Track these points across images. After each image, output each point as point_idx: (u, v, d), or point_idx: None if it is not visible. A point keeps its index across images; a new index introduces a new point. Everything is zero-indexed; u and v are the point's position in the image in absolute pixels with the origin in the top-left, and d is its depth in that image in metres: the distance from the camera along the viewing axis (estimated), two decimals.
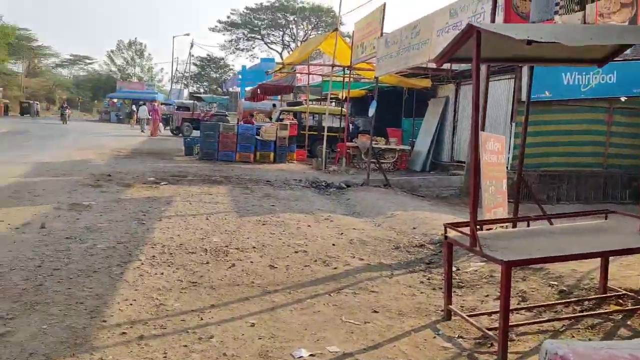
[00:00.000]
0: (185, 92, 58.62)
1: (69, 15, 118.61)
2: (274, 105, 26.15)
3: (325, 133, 14.08)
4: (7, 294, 3.60)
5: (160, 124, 30.42)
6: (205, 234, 5.79)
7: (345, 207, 8.50)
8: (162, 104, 42.52)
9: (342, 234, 6.23)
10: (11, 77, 59.38)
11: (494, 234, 4.01)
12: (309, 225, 6.59)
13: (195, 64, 66.46)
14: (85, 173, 10.24)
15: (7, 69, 53.99)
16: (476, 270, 4.72)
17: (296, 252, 5.28)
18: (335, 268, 4.81)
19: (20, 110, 48.82)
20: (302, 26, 58.38)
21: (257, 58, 57.10)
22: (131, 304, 3.60)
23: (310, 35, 55.87)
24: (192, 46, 59.16)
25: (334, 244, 5.68)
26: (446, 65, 11.10)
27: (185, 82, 65.03)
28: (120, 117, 43.80)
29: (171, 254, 4.91)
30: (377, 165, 12.30)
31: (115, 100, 51.75)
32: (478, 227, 3.43)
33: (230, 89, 48.76)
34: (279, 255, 5.12)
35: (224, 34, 61.13)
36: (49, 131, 25.79)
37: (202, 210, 7.25)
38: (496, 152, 4.93)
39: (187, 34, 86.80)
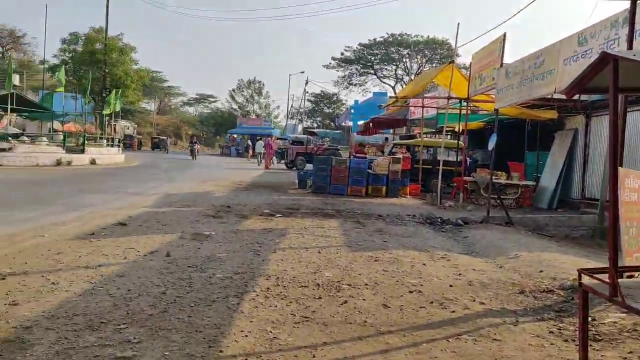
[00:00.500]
0: (300, 127, 61.09)
1: (195, 58, 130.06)
2: (387, 138, 26.24)
3: (441, 167, 13.76)
4: (135, 318, 3.88)
5: (274, 158, 32.19)
6: (318, 268, 5.84)
7: (463, 246, 8.14)
8: (277, 138, 44.63)
9: (460, 274, 5.95)
10: (144, 115, 66.29)
11: (637, 282, 3.57)
12: (423, 264, 6.39)
13: (309, 100, 69.21)
14: (206, 204, 10.95)
15: (141, 108, 60.29)
16: (616, 322, 4.22)
17: (410, 291, 5.11)
18: (453, 311, 4.57)
19: (151, 145, 53.99)
20: (416, 59, 58.42)
21: (370, 92, 58.01)
22: (246, 336, 3.69)
23: (424, 68, 55.69)
24: (306, 83, 61.54)
25: (451, 285, 5.43)
26: (575, 96, 10.40)
27: (300, 118, 67.78)
28: (240, 151, 46.56)
29: (284, 286, 5.00)
30: (498, 201, 11.70)
31: (235, 135, 55.34)
32: (618, 274, 3.07)
33: (343, 123, 49.78)
34: (393, 294, 5.00)
35: (337, 70, 63.13)
36: (176, 164, 28.15)
37: (314, 243, 7.35)
38: (637, 190, 4.44)
39: (302, 72, 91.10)
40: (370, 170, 14.91)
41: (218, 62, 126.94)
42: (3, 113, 28.98)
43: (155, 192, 13.36)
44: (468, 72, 14.05)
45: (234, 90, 72.62)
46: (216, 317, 4.03)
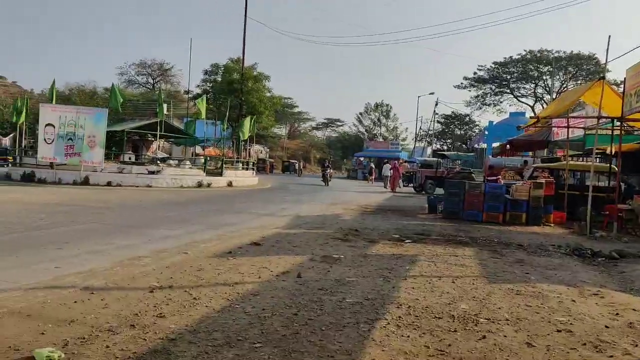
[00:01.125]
0: (429, 150, 60.05)
1: (323, 84, 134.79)
2: (526, 161, 24.72)
3: (590, 193, 12.58)
4: (269, 338, 4.01)
5: (400, 181, 32.08)
6: (452, 298, 5.59)
7: (619, 282, 7.30)
8: (405, 161, 44.39)
9: (617, 314, 5.32)
10: (276, 140, 69.96)
11: None
12: (572, 300, 5.82)
13: (439, 122, 67.96)
14: (335, 227, 11.14)
15: (273, 133, 63.68)
16: None
17: (558, 330, 4.67)
18: (611, 356, 4.08)
19: (282, 168, 56.69)
20: (558, 77, 54.73)
21: (505, 112, 55.43)
22: None
23: (568, 85, 51.95)
24: (436, 104, 60.45)
25: (607, 326, 4.87)
26: None
27: (429, 140, 66.65)
28: (366, 174, 46.96)
29: (417, 316, 4.85)
30: None
31: (362, 158, 56.03)
32: None
33: (476, 146, 48.08)
34: (538, 332, 4.60)
35: (469, 90, 61.26)
36: (306, 187, 29.18)
37: (448, 272, 7.08)
38: None
39: (432, 93, 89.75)
40: (508, 196, 14.10)
41: (345, 87, 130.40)
42: (153, 139, 32.44)
43: (286, 213, 13.92)
44: (620, 89, 12.78)
45: (361, 114, 73.86)
46: (347, 342, 4.02)
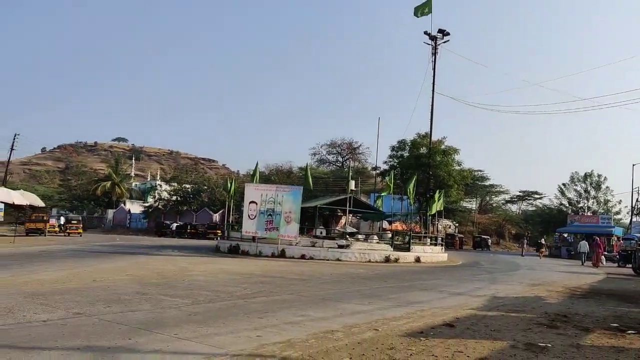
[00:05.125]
0: None
1: (517, 155, 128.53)
2: None
3: None
4: None
5: (602, 257, 32.05)
6: None
7: None
8: (621, 238, 40.19)
9: None
10: (465, 214, 67.85)
11: None
12: None
13: None
14: (538, 311, 10.17)
15: (462, 207, 62.03)
16: None
17: None
18: None
19: (472, 244, 54.40)
20: None
21: None
22: None
23: None
24: None
25: None
26: None
27: None
28: (572, 252, 42.54)
29: None
30: None
31: (565, 234, 51.20)
32: None
33: None
34: None
35: None
36: (500, 265, 27.44)
37: None
38: None
39: None
40: None
41: (543, 156, 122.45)
42: (342, 214, 34.00)
43: (480, 293, 13.18)
44: None
45: (564, 185, 67.96)
46: None
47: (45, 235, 37.29)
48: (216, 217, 57.49)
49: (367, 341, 6.60)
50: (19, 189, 42.36)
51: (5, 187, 38.08)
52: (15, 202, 32.51)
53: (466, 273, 20.74)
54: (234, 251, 25.25)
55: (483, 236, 56.46)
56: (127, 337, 6.22)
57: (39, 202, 34.63)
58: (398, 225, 39.36)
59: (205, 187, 66.63)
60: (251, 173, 33.46)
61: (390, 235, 28.36)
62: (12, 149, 55.89)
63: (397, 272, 19.02)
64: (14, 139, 56.37)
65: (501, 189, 75.15)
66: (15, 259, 17.19)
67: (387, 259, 23.88)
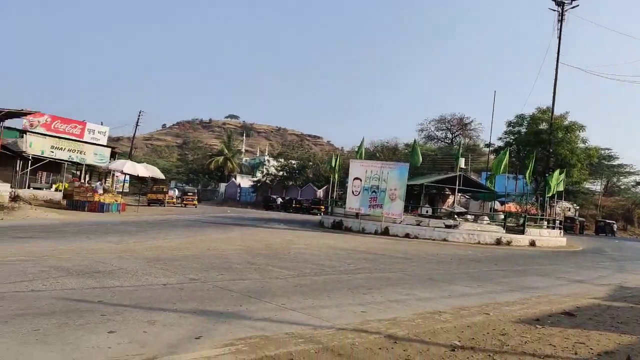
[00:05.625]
0: None
1: None
2: None
3: None
4: None
5: None
6: None
7: None
8: None
9: None
10: (588, 196, 63.08)
11: None
12: None
13: None
14: None
15: (585, 189, 57.56)
16: None
17: None
18: None
19: (595, 229, 50.61)
20: None
21: None
22: None
23: None
24: None
25: None
26: None
27: None
28: None
29: None
30: None
31: None
32: None
33: None
34: None
35: None
36: (626, 252, 25.27)
37: None
38: None
39: None
40: None
41: None
42: (450, 193, 33.02)
43: (605, 282, 12.19)
44: None
45: None
46: None
47: (164, 206, 40.12)
48: (320, 192, 58.55)
49: (476, 325, 6.33)
50: (143, 162, 45.82)
51: (131, 160, 41.31)
52: (140, 175, 35.17)
53: (587, 260, 19.31)
54: (337, 227, 25.54)
55: (607, 221, 52.32)
56: (238, 304, 6.48)
57: (159, 175, 37.17)
58: (511, 206, 37.40)
59: (310, 163, 67.96)
60: (355, 150, 33.39)
61: (502, 217, 27.08)
62: (137, 124, 60.36)
63: (509, 256, 18.14)
64: (139, 116, 60.82)
65: (632, 170, 68.77)
66: (139, 227, 18.67)
67: (498, 242, 22.87)
